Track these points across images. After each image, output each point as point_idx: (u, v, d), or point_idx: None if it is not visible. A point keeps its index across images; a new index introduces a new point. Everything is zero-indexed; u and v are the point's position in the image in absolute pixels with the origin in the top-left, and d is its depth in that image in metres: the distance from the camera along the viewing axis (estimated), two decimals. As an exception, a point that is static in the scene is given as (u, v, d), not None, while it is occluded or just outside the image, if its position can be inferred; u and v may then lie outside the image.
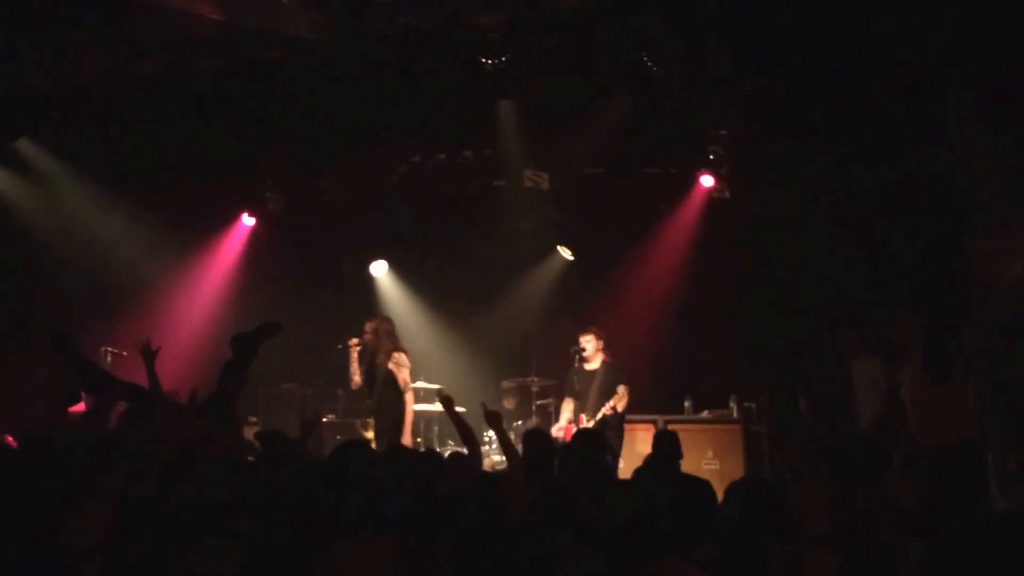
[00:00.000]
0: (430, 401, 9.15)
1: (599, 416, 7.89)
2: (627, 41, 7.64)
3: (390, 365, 8.02)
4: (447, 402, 5.33)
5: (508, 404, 9.76)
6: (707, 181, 9.45)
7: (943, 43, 7.03)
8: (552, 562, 3.21)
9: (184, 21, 7.56)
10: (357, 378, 8.23)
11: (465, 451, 5.18)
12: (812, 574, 2.87)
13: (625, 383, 8.01)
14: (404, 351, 8.18)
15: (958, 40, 6.97)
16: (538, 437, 5.43)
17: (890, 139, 8.23)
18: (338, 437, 8.70)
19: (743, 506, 3.42)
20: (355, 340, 8.19)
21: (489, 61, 7.63)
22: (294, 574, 3.16)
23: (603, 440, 5.88)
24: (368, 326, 8.17)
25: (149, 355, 5.82)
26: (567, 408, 8.36)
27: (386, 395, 8.01)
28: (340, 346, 8.34)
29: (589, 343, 8.21)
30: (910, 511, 3.91)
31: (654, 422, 8.89)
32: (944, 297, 7.67)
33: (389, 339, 8.15)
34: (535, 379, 9.34)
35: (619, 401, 7.93)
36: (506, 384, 9.86)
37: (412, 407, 8.22)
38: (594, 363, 8.24)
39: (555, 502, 3.90)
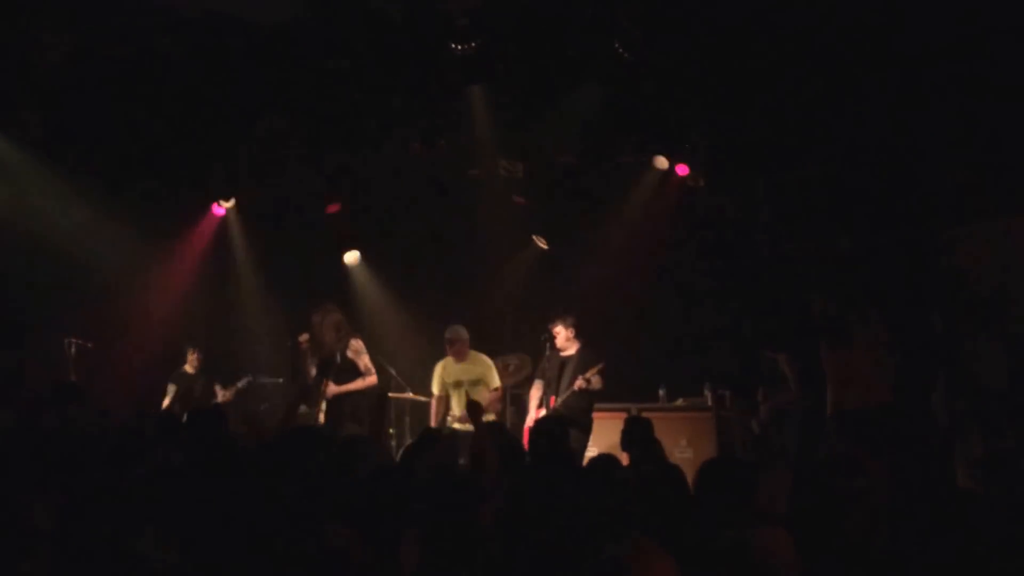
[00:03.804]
0: (401, 390, 9.11)
1: (574, 388, 7.88)
2: (598, 27, 7.60)
3: (349, 354, 7.78)
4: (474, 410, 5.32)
5: None
6: (681, 169, 9.43)
7: (916, 31, 7.05)
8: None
9: (150, 7, 7.47)
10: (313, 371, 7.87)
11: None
12: (766, 553, 2.85)
13: (602, 366, 7.95)
14: (357, 336, 7.95)
15: (930, 28, 6.99)
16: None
17: (862, 128, 8.24)
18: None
19: (700, 485, 3.42)
20: (305, 336, 7.88)
21: (459, 47, 7.58)
22: (247, 563, 3.11)
23: (559, 425, 5.81)
24: (315, 318, 7.77)
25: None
26: (535, 395, 8.34)
27: (344, 383, 7.73)
28: (291, 344, 8.17)
29: (559, 331, 8.19)
30: (876, 491, 3.90)
31: (627, 410, 8.89)
32: (913, 284, 7.69)
33: (340, 328, 7.84)
34: (509, 367, 9.31)
35: (593, 375, 7.89)
36: None
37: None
38: (569, 350, 8.23)
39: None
